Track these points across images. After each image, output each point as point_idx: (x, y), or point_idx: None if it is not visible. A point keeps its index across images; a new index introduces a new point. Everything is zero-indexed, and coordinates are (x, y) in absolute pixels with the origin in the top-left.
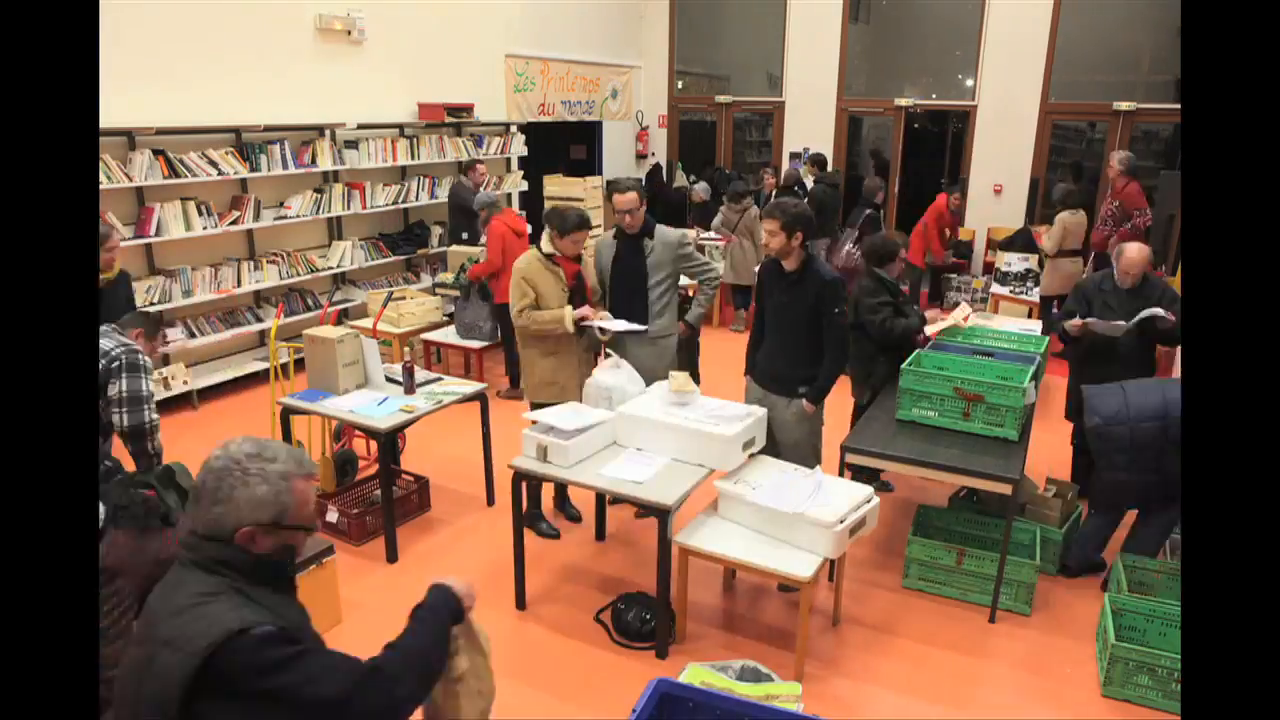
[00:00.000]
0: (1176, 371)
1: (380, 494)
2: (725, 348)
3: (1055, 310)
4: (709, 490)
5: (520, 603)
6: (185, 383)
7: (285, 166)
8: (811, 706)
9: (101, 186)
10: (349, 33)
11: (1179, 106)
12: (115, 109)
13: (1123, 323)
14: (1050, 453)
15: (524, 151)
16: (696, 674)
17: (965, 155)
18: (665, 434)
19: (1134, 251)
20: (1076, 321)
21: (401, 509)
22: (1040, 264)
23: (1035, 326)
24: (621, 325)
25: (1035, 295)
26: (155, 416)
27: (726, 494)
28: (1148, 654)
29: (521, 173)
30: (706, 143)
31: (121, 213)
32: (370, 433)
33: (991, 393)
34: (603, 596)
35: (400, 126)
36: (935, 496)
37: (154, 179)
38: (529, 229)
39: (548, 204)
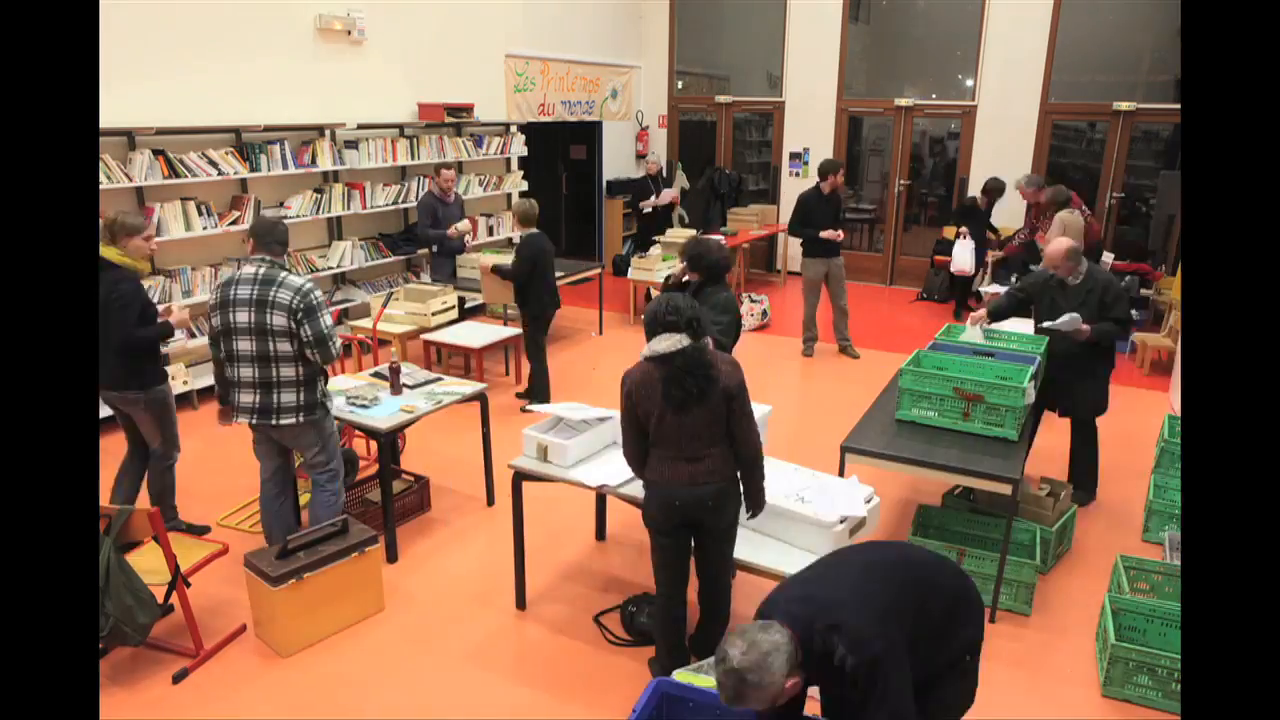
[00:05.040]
0: (1176, 373)
1: (379, 494)
2: None
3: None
4: None
5: (520, 603)
6: (185, 383)
7: (285, 166)
8: (810, 706)
9: (101, 186)
10: (349, 33)
11: (1179, 106)
12: (115, 109)
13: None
14: (1044, 452)
15: (524, 152)
16: (682, 678)
17: (965, 155)
18: None
19: (1051, 245)
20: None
21: (401, 509)
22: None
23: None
24: None
25: None
26: (339, 346)
27: None
28: (1148, 654)
29: (521, 173)
30: (706, 143)
31: None
32: (370, 433)
33: (991, 393)
34: (603, 596)
35: (400, 126)
36: (930, 494)
37: (154, 179)
38: None
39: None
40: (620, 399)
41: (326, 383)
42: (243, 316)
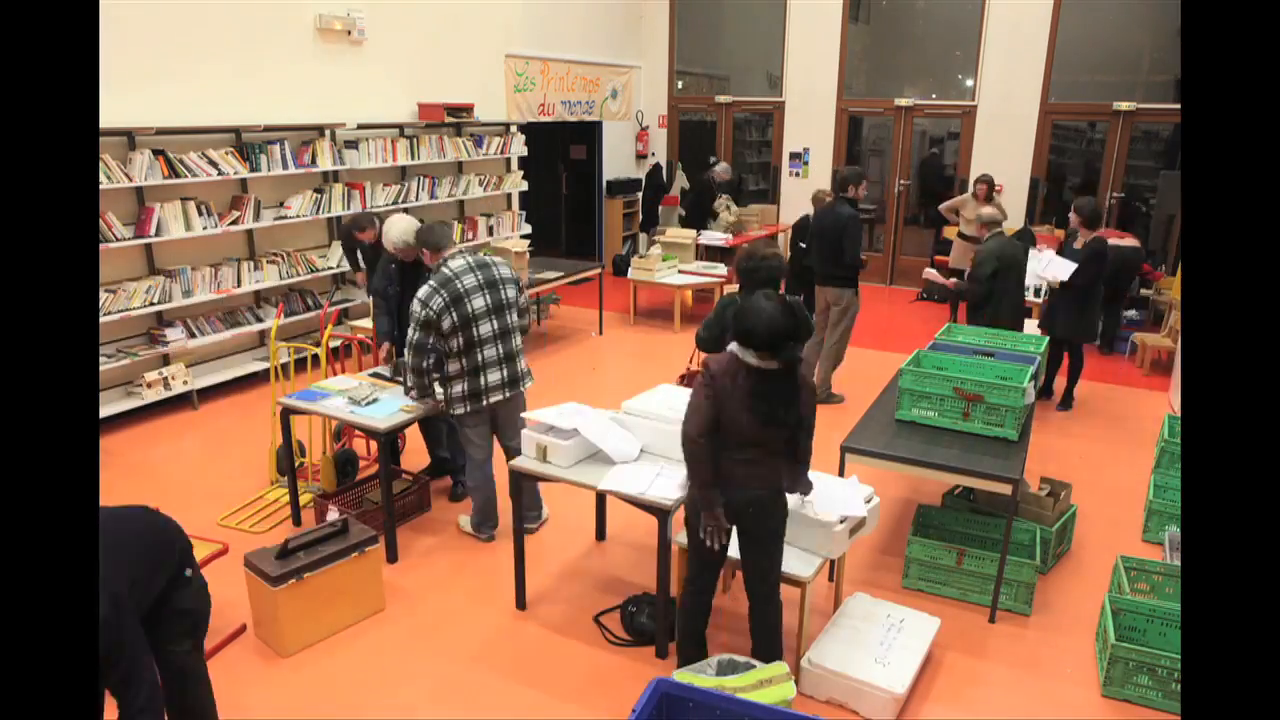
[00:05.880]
0: (1176, 373)
1: (379, 495)
2: None
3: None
4: None
5: (520, 603)
6: (185, 383)
7: (285, 166)
8: (810, 705)
9: (101, 186)
10: (349, 33)
11: (1179, 106)
12: (115, 109)
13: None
14: (1044, 452)
15: (524, 152)
16: (682, 678)
17: (965, 155)
18: (665, 433)
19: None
20: None
21: (401, 509)
22: None
23: (1035, 326)
24: None
25: (1033, 295)
26: (411, 359)
27: None
28: (1148, 654)
29: (521, 173)
30: (706, 143)
31: (121, 213)
32: (370, 433)
33: (991, 393)
34: (603, 596)
35: (400, 126)
36: (930, 494)
37: (154, 179)
38: None
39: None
40: (701, 384)
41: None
42: (505, 291)
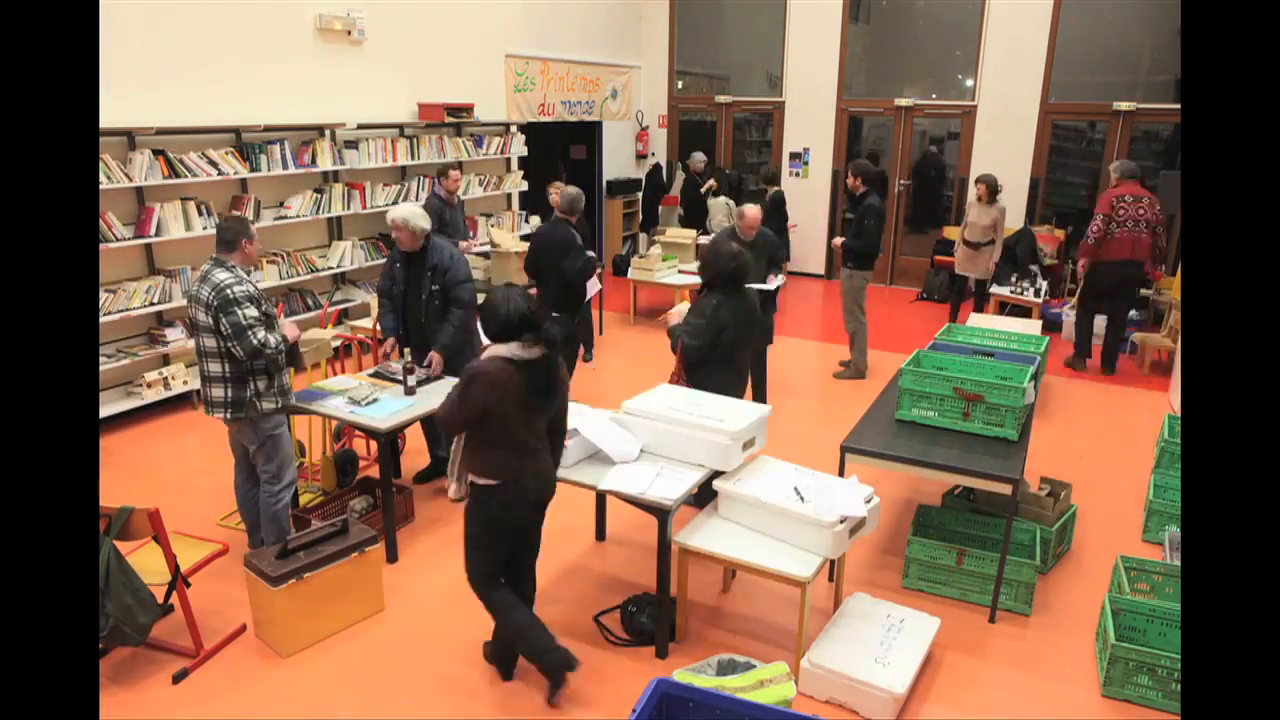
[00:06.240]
0: (1176, 373)
1: (361, 505)
2: None
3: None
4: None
5: None
6: (185, 383)
7: (285, 166)
8: (810, 705)
9: (101, 186)
10: (349, 33)
11: (1179, 106)
12: (115, 109)
13: None
14: (1044, 452)
15: (524, 152)
16: (682, 678)
17: (965, 155)
18: (666, 433)
19: (751, 210)
20: None
21: (401, 511)
22: (1041, 265)
23: (1035, 326)
24: None
25: (1034, 295)
26: (261, 337)
27: (726, 494)
28: (1148, 654)
29: (521, 173)
30: (706, 143)
31: (121, 213)
32: (370, 433)
33: (991, 393)
34: (603, 596)
35: (400, 126)
36: (930, 494)
37: (154, 179)
38: None
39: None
40: (470, 391)
41: (273, 384)
42: (197, 314)
